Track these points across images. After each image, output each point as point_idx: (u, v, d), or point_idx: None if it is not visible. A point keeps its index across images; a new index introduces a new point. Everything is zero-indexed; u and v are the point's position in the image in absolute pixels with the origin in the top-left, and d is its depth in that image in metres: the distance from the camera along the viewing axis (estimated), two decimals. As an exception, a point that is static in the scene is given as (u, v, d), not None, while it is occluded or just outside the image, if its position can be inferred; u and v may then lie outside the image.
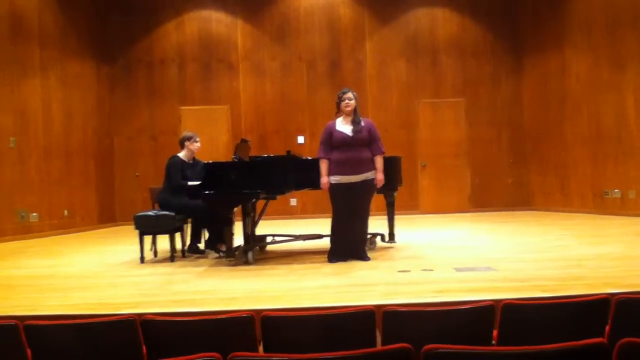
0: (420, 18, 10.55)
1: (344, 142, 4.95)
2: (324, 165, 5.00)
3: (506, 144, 10.53)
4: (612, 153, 8.66)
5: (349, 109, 5.01)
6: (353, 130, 4.96)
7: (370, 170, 4.97)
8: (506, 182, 10.47)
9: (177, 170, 5.75)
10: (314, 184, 5.12)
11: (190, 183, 5.43)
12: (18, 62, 8.25)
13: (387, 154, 5.22)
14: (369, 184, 4.97)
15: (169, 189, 5.74)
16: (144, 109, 10.33)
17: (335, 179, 4.95)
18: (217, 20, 10.46)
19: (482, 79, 10.54)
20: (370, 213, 5.12)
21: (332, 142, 4.99)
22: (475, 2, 10.54)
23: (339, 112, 5.09)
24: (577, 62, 9.25)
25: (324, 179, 4.98)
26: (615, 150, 8.58)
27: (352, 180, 4.91)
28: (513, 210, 10.22)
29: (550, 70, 9.86)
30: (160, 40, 10.41)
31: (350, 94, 5.04)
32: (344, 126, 5.03)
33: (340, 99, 5.05)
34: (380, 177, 5.00)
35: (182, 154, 5.96)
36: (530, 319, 2.43)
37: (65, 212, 8.89)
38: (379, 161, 5.01)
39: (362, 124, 5.00)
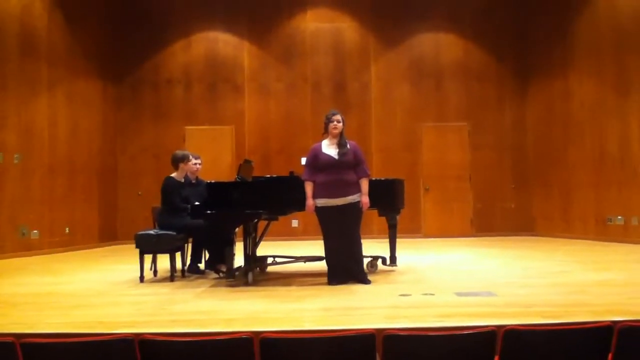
0: (425, 42, 10.66)
1: (329, 165, 4.95)
2: (309, 188, 4.99)
3: (509, 168, 10.54)
4: (615, 179, 8.63)
5: (336, 131, 5.03)
6: (339, 153, 4.97)
7: (356, 193, 4.97)
8: (509, 207, 10.45)
9: (174, 191, 5.74)
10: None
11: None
12: (26, 79, 8.33)
13: (390, 177, 5.22)
14: (355, 207, 4.95)
15: (168, 210, 5.72)
16: (148, 128, 10.41)
17: (321, 202, 4.95)
18: (224, 42, 10.59)
19: (486, 102, 10.59)
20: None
21: (317, 164, 4.99)
22: (480, 27, 10.65)
23: (325, 132, 5.11)
24: (581, 86, 9.29)
25: (309, 202, 4.97)
26: (619, 176, 8.56)
27: (338, 204, 4.91)
28: (515, 235, 10.18)
29: (555, 94, 9.90)
30: (167, 61, 10.53)
31: (338, 116, 5.06)
32: (329, 149, 5.03)
33: (328, 120, 5.05)
34: (365, 199, 4.98)
35: (175, 175, 5.94)
36: (532, 345, 2.41)
37: (67, 230, 8.89)
38: (364, 184, 5.00)
39: (348, 146, 5.02)
